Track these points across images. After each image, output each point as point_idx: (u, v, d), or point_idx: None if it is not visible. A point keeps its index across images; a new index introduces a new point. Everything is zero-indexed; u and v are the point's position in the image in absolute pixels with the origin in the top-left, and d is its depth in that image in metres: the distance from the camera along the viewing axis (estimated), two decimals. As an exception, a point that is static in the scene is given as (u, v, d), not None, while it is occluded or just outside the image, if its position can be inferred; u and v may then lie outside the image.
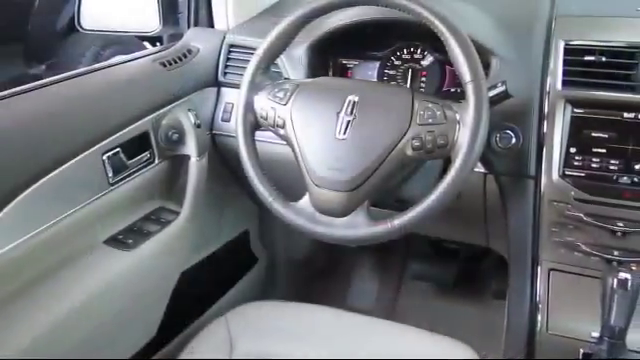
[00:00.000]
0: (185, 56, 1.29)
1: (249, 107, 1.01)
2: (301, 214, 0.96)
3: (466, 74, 0.87)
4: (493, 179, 1.09)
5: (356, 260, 1.89)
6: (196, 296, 1.43)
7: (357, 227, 0.92)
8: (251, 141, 1.01)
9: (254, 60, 1.01)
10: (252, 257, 1.66)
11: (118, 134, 1.08)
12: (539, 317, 1.08)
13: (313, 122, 0.96)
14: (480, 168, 1.08)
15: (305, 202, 0.97)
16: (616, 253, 1.00)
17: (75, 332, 1.01)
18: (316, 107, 0.96)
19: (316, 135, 0.95)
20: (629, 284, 0.87)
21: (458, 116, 0.88)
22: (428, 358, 1.03)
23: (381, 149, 0.90)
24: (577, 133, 1.00)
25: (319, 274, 1.87)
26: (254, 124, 1.02)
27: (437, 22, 0.89)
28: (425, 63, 1.20)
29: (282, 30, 0.99)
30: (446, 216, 1.17)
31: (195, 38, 1.35)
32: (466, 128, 0.87)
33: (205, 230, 1.38)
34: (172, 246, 1.20)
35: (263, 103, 1.00)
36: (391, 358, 1.05)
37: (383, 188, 0.95)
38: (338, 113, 0.93)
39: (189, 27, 1.39)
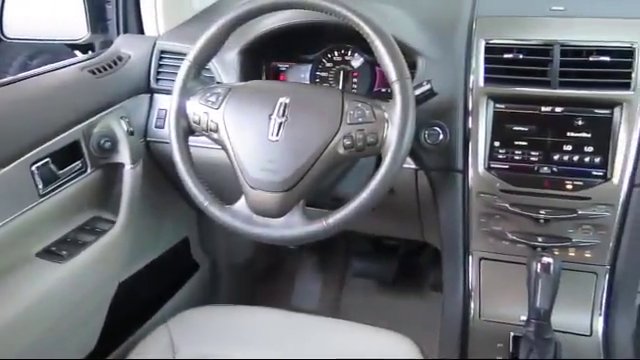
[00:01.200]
0: (115, 63, 1.27)
1: (181, 112, 1.01)
2: (237, 216, 0.97)
3: (392, 74, 0.90)
4: (424, 174, 1.13)
5: (299, 261, 1.91)
6: (137, 306, 1.41)
7: (293, 227, 0.94)
8: (185, 146, 1.01)
9: (184, 66, 1.01)
10: (193, 264, 1.65)
11: (47, 144, 1.06)
12: (472, 305, 1.13)
13: (246, 125, 0.96)
14: (411, 164, 1.12)
15: (241, 204, 0.98)
16: (540, 239, 1.06)
17: (10, 348, 0.98)
18: (248, 110, 0.97)
19: (249, 138, 0.96)
20: (551, 268, 0.92)
21: (386, 114, 0.91)
22: (369, 351, 1.06)
23: (313, 149, 0.92)
24: (500, 127, 1.05)
25: (262, 277, 1.87)
26: (187, 129, 1.02)
27: (362, 24, 0.92)
28: (356, 64, 1.23)
29: (211, 35, 1.00)
30: (382, 213, 1.20)
31: (125, 45, 1.33)
32: (394, 126, 0.89)
33: (143, 239, 1.36)
34: (108, 256, 1.18)
35: (195, 108, 1.00)
36: (334, 354, 1.07)
37: (318, 187, 0.96)
38: (270, 115, 0.95)
39: (118, 34, 1.38)
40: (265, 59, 1.28)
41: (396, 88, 0.90)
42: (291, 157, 0.93)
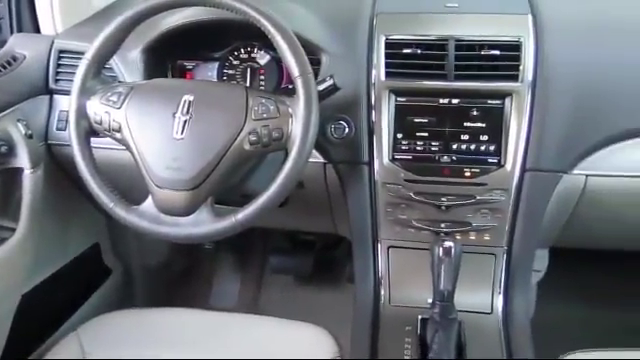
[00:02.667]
0: (9, 64, 1.22)
1: (82, 113, 0.98)
2: (144, 216, 0.96)
3: (294, 69, 0.92)
4: (332, 168, 1.15)
5: (216, 261, 1.90)
6: (45, 317, 1.35)
7: (201, 224, 0.94)
8: (87, 148, 0.99)
9: (83, 65, 0.98)
10: (105, 269, 1.60)
11: None
12: (382, 292, 1.17)
13: (149, 124, 0.95)
14: (319, 158, 1.14)
15: (148, 204, 0.96)
16: (443, 225, 1.11)
17: None
18: (151, 109, 0.96)
19: (153, 136, 0.94)
20: (452, 252, 0.97)
21: (291, 110, 0.93)
22: (284, 344, 1.08)
23: (219, 146, 0.92)
24: (402, 120, 1.09)
25: (178, 279, 1.85)
26: (89, 130, 0.99)
27: (264, 21, 0.93)
28: (263, 61, 1.24)
29: (110, 33, 0.98)
30: (294, 207, 1.22)
31: (20, 44, 1.27)
32: (298, 120, 0.91)
33: (47, 246, 1.31)
34: (8, 266, 1.12)
35: (96, 108, 0.98)
36: (250, 349, 1.08)
37: (226, 184, 0.97)
38: (174, 113, 0.94)
39: (12, 33, 1.31)
40: (170, 57, 1.26)
41: (299, 83, 0.92)
42: (197, 155, 0.92)
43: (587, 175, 1.10)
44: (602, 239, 1.36)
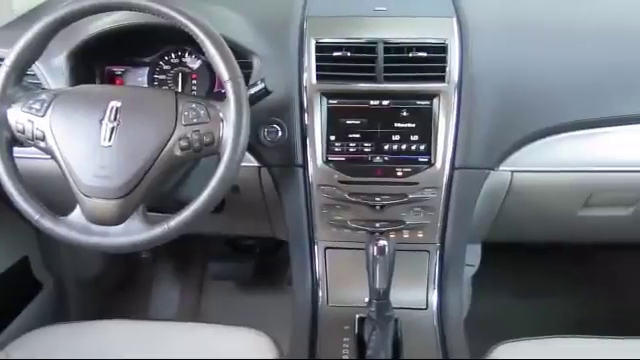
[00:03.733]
0: None
1: (2, 122, 0.94)
2: (73, 227, 0.93)
3: (224, 73, 0.92)
4: (267, 171, 1.15)
5: (154, 270, 1.86)
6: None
7: (133, 233, 0.92)
8: (9, 158, 0.95)
9: (2, 71, 0.94)
10: (35, 283, 1.54)
11: None
12: (320, 293, 1.18)
13: (75, 131, 0.92)
14: (254, 162, 1.14)
15: (76, 214, 0.93)
16: (377, 225, 1.13)
17: None
18: (77, 116, 0.93)
19: (80, 144, 0.92)
20: (386, 250, 0.99)
21: (221, 114, 0.92)
22: (224, 350, 1.07)
23: (149, 153, 0.90)
24: (334, 122, 1.11)
25: (115, 291, 1.80)
26: (10, 140, 0.95)
27: (191, 25, 0.92)
28: (194, 66, 1.22)
29: (31, 38, 0.94)
30: (230, 212, 1.21)
31: None
32: (229, 125, 0.91)
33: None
34: None
35: (18, 117, 0.94)
36: (189, 357, 1.06)
37: (158, 191, 0.95)
38: (101, 120, 0.92)
39: None
40: (98, 63, 1.23)
41: (228, 87, 0.91)
42: (126, 162, 0.90)
43: (513, 171, 1.15)
44: (530, 232, 1.42)
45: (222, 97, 0.94)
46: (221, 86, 1.20)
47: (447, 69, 1.08)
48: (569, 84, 1.12)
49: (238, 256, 1.83)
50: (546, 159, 1.16)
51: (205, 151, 0.92)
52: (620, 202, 1.26)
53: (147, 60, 1.23)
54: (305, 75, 1.10)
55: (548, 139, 1.14)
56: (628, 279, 1.83)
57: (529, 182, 1.17)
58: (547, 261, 1.78)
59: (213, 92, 1.22)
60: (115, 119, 0.92)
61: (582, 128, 1.13)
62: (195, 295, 1.85)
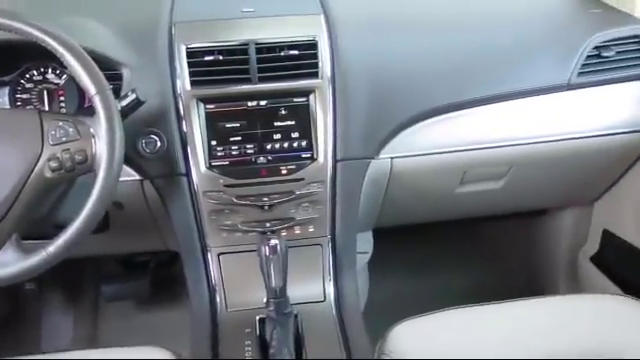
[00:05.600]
0: None
1: None
2: None
3: (90, 88, 0.88)
4: (150, 183, 1.12)
5: (42, 300, 1.75)
6: None
7: (8, 265, 0.86)
8: None
9: None
10: None
11: None
12: (218, 299, 1.17)
13: None
14: (135, 175, 1.11)
15: None
16: (268, 225, 1.14)
17: None
18: None
19: None
20: (278, 248, 1.00)
21: (92, 130, 0.89)
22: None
23: (16, 178, 0.85)
24: (214, 127, 1.10)
25: (1, 326, 1.67)
26: None
27: (48, 39, 0.87)
28: (60, 82, 1.16)
29: None
30: (117, 230, 1.17)
31: None
32: (102, 140, 0.88)
33: None
34: None
35: None
36: None
37: (31, 217, 0.90)
38: None
39: None
40: None
41: (97, 101, 0.88)
42: None
43: (392, 158, 1.20)
44: (416, 214, 1.49)
45: (93, 112, 0.91)
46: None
47: (319, 65, 1.11)
48: (434, 70, 1.19)
49: (132, 274, 1.76)
50: (421, 143, 1.22)
51: (79, 170, 0.89)
52: (491, 177, 1.36)
53: (6, 79, 1.15)
54: (179, 82, 1.08)
55: (421, 124, 1.20)
56: (507, 245, 1.98)
57: (408, 167, 1.23)
58: (435, 239, 1.88)
59: (84, 107, 1.16)
60: None
61: (451, 111, 1.21)
62: (90, 321, 1.76)
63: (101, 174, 0.87)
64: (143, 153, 1.07)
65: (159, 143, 1.08)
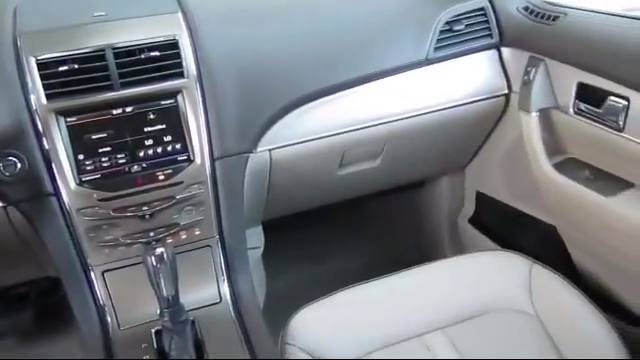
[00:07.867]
0: None
1: None
2: None
3: None
4: (15, 209, 1.04)
5: None
6: None
7: None
8: None
9: None
10: None
11: None
12: (108, 319, 1.11)
13: None
14: (-3, 203, 1.02)
15: None
16: (152, 234, 1.10)
17: None
18: None
19: None
20: (165, 256, 0.96)
21: None
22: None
23: None
24: (79, 140, 1.03)
25: None
26: None
27: None
28: None
29: None
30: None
31: None
32: None
33: None
34: None
35: None
36: None
37: None
38: None
39: None
40: None
41: None
42: None
43: (270, 150, 1.20)
44: (302, 202, 1.51)
45: None
46: None
47: (183, 64, 1.07)
48: (299, 58, 1.21)
49: (12, 308, 1.64)
50: (297, 131, 1.23)
51: None
52: (368, 156, 1.41)
53: None
54: (32, 97, 1.01)
55: (295, 112, 1.21)
56: (394, 219, 2.06)
57: (288, 156, 1.24)
58: (325, 224, 1.92)
59: None
60: None
61: (321, 97, 1.23)
62: None
63: None
64: (3, 177, 1.00)
65: (19, 164, 1.00)
